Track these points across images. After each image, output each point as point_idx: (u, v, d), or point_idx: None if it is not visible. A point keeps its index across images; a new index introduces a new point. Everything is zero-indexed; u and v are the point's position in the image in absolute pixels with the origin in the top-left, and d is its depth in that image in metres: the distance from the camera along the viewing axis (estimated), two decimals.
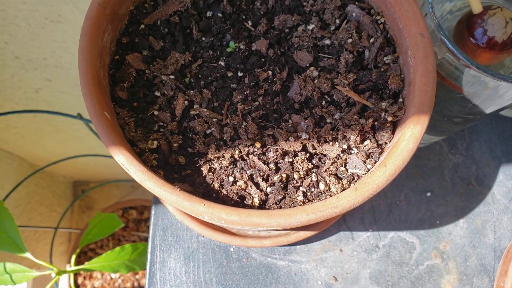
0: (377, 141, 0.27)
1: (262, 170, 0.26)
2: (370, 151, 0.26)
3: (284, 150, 0.27)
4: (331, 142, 0.27)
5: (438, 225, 0.42)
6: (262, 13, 0.31)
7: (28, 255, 0.68)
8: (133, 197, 1.18)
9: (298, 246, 0.41)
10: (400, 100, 0.27)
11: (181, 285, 0.39)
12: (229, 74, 0.29)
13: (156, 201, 0.42)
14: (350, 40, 0.29)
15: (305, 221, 0.22)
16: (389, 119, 0.26)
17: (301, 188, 0.26)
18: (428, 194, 0.43)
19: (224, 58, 0.29)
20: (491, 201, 0.43)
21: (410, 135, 0.24)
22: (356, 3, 0.30)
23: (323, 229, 0.39)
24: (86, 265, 0.69)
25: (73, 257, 0.76)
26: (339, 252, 0.41)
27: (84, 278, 1.05)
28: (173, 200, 0.22)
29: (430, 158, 0.44)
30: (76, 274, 1.06)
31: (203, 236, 0.41)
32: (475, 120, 0.35)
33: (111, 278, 1.05)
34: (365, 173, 0.26)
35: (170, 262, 0.40)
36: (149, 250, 0.41)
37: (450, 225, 0.42)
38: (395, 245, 0.41)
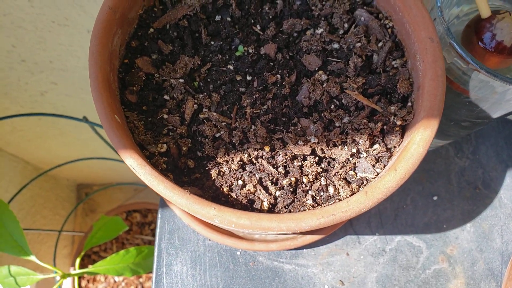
0: (386, 145, 0.27)
1: (271, 174, 0.26)
2: (379, 155, 0.26)
3: (293, 154, 0.27)
4: (340, 146, 0.27)
5: (445, 229, 0.42)
6: (270, 17, 0.31)
7: (32, 258, 0.68)
8: (137, 200, 1.18)
9: (304, 250, 0.41)
10: (409, 104, 0.27)
11: None
12: (238, 78, 0.29)
13: (163, 204, 0.42)
14: (358, 44, 0.29)
15: (316, 225, 0.22)
16: (398, 123, 0.26)
17: (310, 192, 0.26)
18: (435, 198, 0.43)
19: (233, 62, 0.30)
20: (498, 205, 0.43)
21: (420, 139, 0.24)
22: (365, 7, 0.30)
23: (330, 233, 0.39)
24: (91, 268, 0.69)
25: (78, 260, 0.75)
26: (346, 256, 0.41)
27: (88, 281, 1.05)
28: (183, 204, 0.22)
29: (437, 162, 0.44)
30: (80, 277, 1.06)
31: (209, 240, 0.41)
32: (482, 125, 0.35)
33: (115, 281, 1.05)
34: (375, 177, 0.26)
35: (177, 266, 0.40)
36: (155, 254, 0.41)
37: (457, 229, 0.42)
38: (402, 249, 0.41)
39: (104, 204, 1.38)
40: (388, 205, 0.43)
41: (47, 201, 1.19)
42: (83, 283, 1.04)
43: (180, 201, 0.22)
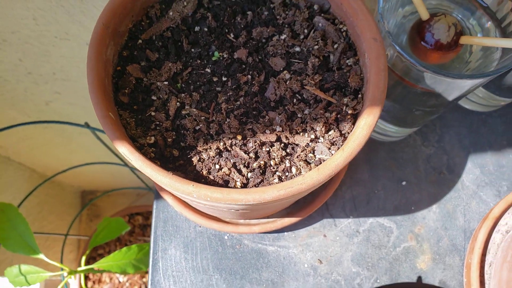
0: (340, 131, 0.31)
1: (244, 159, 0.31)
2: (334, 139, 0.31)
3: (262, 141, 0.31)
4: (301, 133, 0.32)
5: (413, 210, 0.46)
6: (242, 26, 0.36)
7: (41, 256, 0.73)
8: (139, 204, 1.23)
9: (286, 233, 0.45)
10: (360, 96, 0.32)
11: (181, 270, 0.44)
12: (215, 79, 0.34)
13: (157, 196, 0.47)
14: (316, 47, 0.34)
15: (276, 196, 0.27)
16: (350, 112, 0.31)
17: (277, 173, 0.31)
18: (404, 183, 0.47)
19: (210, 65, 0.34)
20: (461, 188, 0.47)
21: (364, 124, 0.28)
22: (322, 14, 0.35)
23: (306, 216, 0.44)
24: (95, 264, 0.74)
25: (83, 258, 0.80)
26: (323, 238, 0.45)
27: (94, 282, 1.10)
28: (167, 183, 0.27)
29: (405, 151, 0.49)
30: (86, 279, 1.10)
31: (200, 226, 0.46)
32: (437, 112, 0.40)
33: (119, 282, 1.10)
34: (330, 158, 0.30)
35: (171, 250, 0.45)
36: (151, 240, 0.45)
37: (424, 210, 0.46)
38: (374, 229, 0.45)
39: (108, 210, 1.43)
40: (361, 191, 0.47)
41: (53, 207, 1.24)
42: (89, 284, 1.08)
43: (164, 180, 0.27)
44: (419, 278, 0.43)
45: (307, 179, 0.27)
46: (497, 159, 0.48)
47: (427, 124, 0.50)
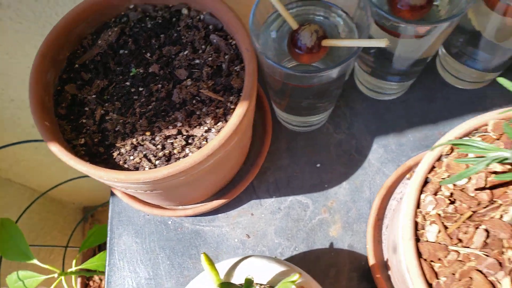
0: (226, 122, 0.40)
1: (152, 150, 0.40)
2: (221, 129, 0.40)
3: (166, 135, 0.40)
4: (197, 126, 0.40)
5: (326, 188, 0.54)
6: (156, 47, 0.45)
7: (35, 261, 0.82)
8: None
9: (219, 215, 0.54)
10: (242, 94, 0.41)
11: (133, 252, 0.52)
12: (133, 90, 0.43)
13: (112, 193, 0.56)
14: (210, 58, 0.43)
15: (167, 173, 0.35)
16: (232, 107, 0.40)
17: (180, 160, 0.39)
18: (318, 165, 0.55)
19: (129, 80, 0.44)
20: (368, 166, 0.55)
21: (235, 114, 0.37)
22: (216, 32, 0.44)
23: (233, 198, 0.52)
24: (84, 265, 0.83)
25: (74, 261, 0.89)
26: (251, 216, 0.53)
27: None
28: (85, 170, 0.36)
29: (319, 138, 0.57)
30: (86, 286, 1.19)
31: (148, 215, 0.54)
32: (323, 99, 0.48)
33: None
34: (210, 142, 0.39)
35: (124, 237, 0.53)
36: (108, 229, 0.54)
37: (335, 187, 0.54)
38: (293, 206, 0.53)
39: None
40: (283, 175, 0.55)
41: (55, 223, 1.34)
42: None
43: (83, 168, 0.36)
44: (331, 244, 0.51)
45: (190, 159, 0.36)
46: (398, 139, 0.55)
47: (339, 114, 0.58)
